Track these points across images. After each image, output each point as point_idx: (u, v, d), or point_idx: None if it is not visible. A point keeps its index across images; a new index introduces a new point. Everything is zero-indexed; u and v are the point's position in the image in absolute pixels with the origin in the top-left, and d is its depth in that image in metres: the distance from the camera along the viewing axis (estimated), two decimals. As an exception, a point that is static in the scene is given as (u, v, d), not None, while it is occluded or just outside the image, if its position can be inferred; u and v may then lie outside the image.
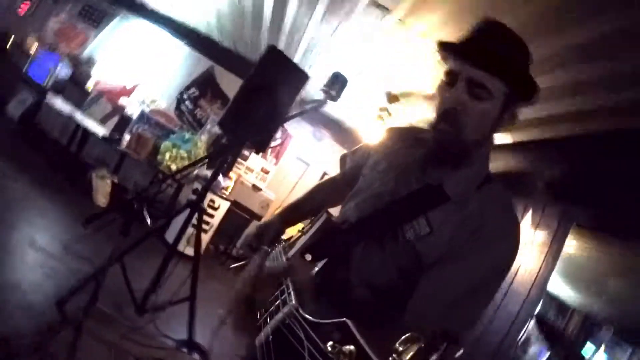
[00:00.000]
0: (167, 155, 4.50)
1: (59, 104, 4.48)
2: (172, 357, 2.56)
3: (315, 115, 5.74)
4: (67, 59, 4.99)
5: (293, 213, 1.34)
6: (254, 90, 2.85)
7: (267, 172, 6.00)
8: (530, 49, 0.94)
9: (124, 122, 4.68)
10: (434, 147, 0.97)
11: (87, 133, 4.51)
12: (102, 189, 4.22)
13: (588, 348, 6.61)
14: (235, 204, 5.17)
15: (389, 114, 3.93)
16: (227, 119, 2.91)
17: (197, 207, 2.73)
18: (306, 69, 4.42)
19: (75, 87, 4.81)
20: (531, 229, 2.94)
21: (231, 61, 5.31)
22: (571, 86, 1.95)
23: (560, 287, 5.50)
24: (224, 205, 4.82)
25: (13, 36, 5.06)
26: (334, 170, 5.14)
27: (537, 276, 2.71)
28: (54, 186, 4.11)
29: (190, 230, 2.69)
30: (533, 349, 5.86)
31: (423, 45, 2.62)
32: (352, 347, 0.37)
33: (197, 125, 5.16)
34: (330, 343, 0.38)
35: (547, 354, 5.83)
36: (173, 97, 5.32)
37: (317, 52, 3.80)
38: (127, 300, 2.53)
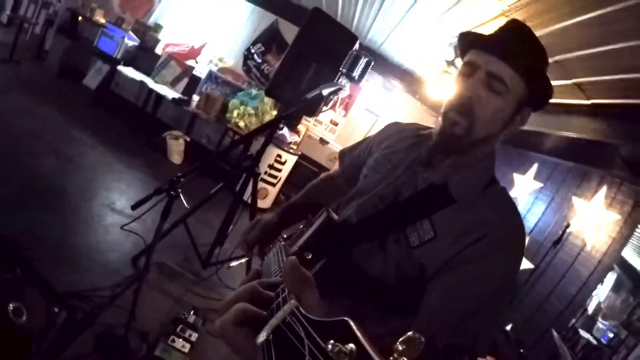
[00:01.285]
0: (235, 113, 4.68)
1: (131, 72, 4.80)
2: (229, 307, 2.84)
3: (385, 65, 5.48)
4: (133, 29, 5.29)
5: (291, 211, 1.32)
6: (299, 55, 2.81)
7: (336, 124, 6.00)
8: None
9: (194, 82, 4.90)
10: (442, 136, 0.94)
11: (159, 96, 4.80)
12: (176, 147, 4.59)
13: None
14: (303, 157, 5.30)
15: (456, 69, 3.62)
16: (275, 86, 2.93)
17: (252, 172, 2.87)
18: (364, 30, 4.21)
19: (145, 54, 5.09)
20: (603, 207, 2.62)
21: (295, 13, 5.19)
22: None
23: (637, 262, 4.90)
24: (291, 160, 4.96)
25: (81, 13, 5.44)
26: (403, 119, 5.04)
27: (600, 260, 2.45)
28: (132, 148, 4.47)
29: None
30: (600, 326, 5.46)
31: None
32: (352, 346, 0.37)
33: (266, 80, 5.23)
34: (331, 342, 0.38)
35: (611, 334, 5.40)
36: (240, 54, 5.37)
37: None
38: (195, 254, 2.79)
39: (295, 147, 5.14)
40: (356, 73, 1.77)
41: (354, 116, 5.99)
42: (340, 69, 1.82)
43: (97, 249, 2.60)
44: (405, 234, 0.90)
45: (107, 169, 3.81)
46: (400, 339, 0.37)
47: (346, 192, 1.14)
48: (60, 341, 1.80)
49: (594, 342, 5.24)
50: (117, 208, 3.15)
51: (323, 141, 5.72)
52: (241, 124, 4.73)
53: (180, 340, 2.23)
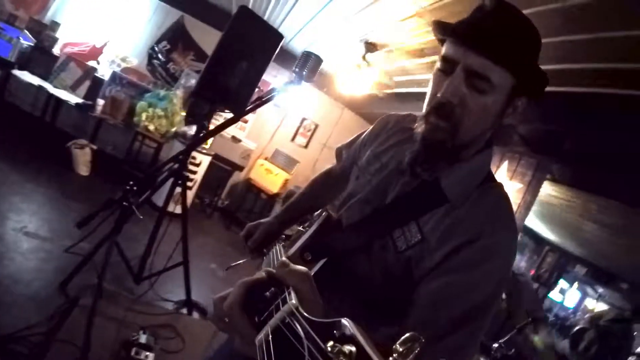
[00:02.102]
0: (144, 116, 4.37)
1: (27, 76, 4.20)
2: (174, 320, 2.72)
3: (291, 61, 5.55)
4: (28, 28, 4.59)
5: (292, 212, 1.30)
6: (226, 55, 2.75)
7: (246, 122, 5.92)
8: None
9: (96, 85, 4.45)
10: (423, 143, 0.85)
11: (60, 102, 4.29)
12: (82, 158, 4.13)
13: (562, 284, 7.18)
14: (216, 157, 5.16)
15: (368, 64, 3.85)
16: (202, 88, 2.83)
17: (179, 175, 2.75)
18: (280, 24, 4.24)
19: (42, 55, 4.48)
20: (506, 178, 3.06)
21: (202, 10, 4.99)
22: (560, 46, 1.92)
23: (537, 226, 5.80)
24: (205, 160, 4.82)
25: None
26: (312, 115, 5.15)
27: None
28: (34, 163, 3.98)
29: (177, 189, 2.73)
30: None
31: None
32: (352, 347, 0.37)
33: (172, 79, 4.96)
34: (331, 343, 0.38)
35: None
36: (144, 52, 5.01)
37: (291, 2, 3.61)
38: (126, 271, 2.61)
39: (207, 147, 4.99)
40: (307, 72, 1.81)
41: (263, 112, 5.98)
42: (293, 68, 1.85)
43: (19, 282, 2.28)
44: (393, 238, 0.86)
45: (11, 189, 3.32)
46: (400, 340, 0.38)
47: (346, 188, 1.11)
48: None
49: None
50: (32, 231, 2.77)
51: (235, 139, 5.62)
52: (151, 127, 4.45)
53: (138, 363, 2.09)
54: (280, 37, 2.81)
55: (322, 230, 1.01)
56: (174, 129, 4.61)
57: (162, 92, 4.52)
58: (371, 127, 1.15)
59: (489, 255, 0.78)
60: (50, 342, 1.96)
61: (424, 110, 0.86)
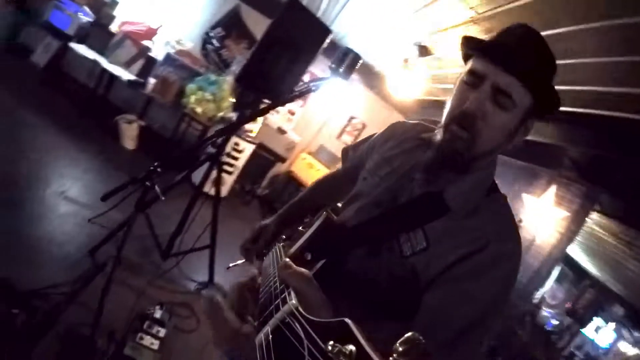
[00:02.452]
0: (193, 98, 4.50)
1: (83, 50, 4.43)
2: (193, 299, 2.78)
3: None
4: (88, 4, 4.84)
5: (293, 212, 1.30)
6: (272, 45, 2.76)
7: (293, 114, 5.96)
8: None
9: (150, 64, 4.63)
10: (441, 151, 0.88)
11: (113, 77, 4.50)
12: (129, 132, 4.33)
13: (597, 321, 6.71)
14: (260, 146, 5.23)
15: (416, 68, 3.74)
16: (245, 75, 2.86)
17: (216, 160, 2.80)
18: (335, 18, 4.21)
19: (99, 31, 4.71)
20: (552, 204, 2.86)
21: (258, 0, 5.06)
22: (625, 69, 1.76)
23: (579, 257, 5.44)
24: (248, 148, 4.89)
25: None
26: (361, 114, 5.10)
27: (549, 253, 2.69)
28: (83, 133, 4.18)
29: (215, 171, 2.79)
30: (544, 314, 5.99)
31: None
32: (352, 347, 0.37)
33: (223, 65, 5.07)
34: (331, 343, 0.38)
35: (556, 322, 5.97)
36: (199, 37, 5.16)
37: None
38: (154, 246, 2.70)
39: (252, 135, 5.06)
40: (344, 69, 1.76)
41: (312, 106, 5.99)
42: (329, 64, 1.81)
43: (53, 242, 2.42)
44: (399, 242, 0.87)
45: (58, 154, 3.52)
46: (400, 340, 0.37)
47: (348, 191, 1.11)
48: (21, 345, 1.67)
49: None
50: (71, 196, 2.93)
51: (281, 130, 5.68)
52: (198, 110, 4.57)
53: (149, 337, 2.15)
54: (327, 31, 2.78)
55: (322, 230, 0.99)
56: (220, 114, 4.71)
57: (213, 77, 4.63)
58: (380, 132, 1.18)
59: (495, 263, 0.80)
60: (69, 302, 2.06)
61: (444, 119, 0.89)
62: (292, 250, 1.00)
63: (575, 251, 5.02)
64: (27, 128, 3.62)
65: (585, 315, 6.18)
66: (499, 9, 2.19)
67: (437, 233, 0.84)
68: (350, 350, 0.37)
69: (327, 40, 2.73)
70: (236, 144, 4.67)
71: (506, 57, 0.81)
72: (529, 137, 0.94)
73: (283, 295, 0.54)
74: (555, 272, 6.85)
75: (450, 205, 0.86)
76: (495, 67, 0.81)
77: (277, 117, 5.87)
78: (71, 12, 4.48)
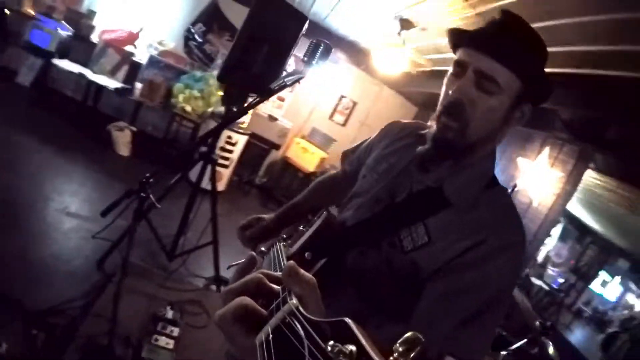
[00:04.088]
0: (181, 97, 4.48)
1: (67, 64, 4.40)
2: (202, 296, 2.84)
3: (329, 38, 5.45)
4: (65, 18, 4.80)
5: (291, 211, 1.31)
6: (250, 38, 2.74)
7: (282, 100, 5.92)
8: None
9: (134, 69, 4.60)
10: (435, 142, 0.89)
11: (100, 87, 4.48)
12: (122, 139, 4.34)
13: (603, 276, 6.74)
14: (253, 136, 5.22)
15: (403, 42, 3.69)
16: (226, 72, 2.85)
17: (208, 158, 2.82)
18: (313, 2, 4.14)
19: (80, 43, 4.67)
20: (547, 165, 2.87)
21: (235, -11, 4.97)
22: (611, 26, 1.75)
23: (582, 214, 5.45)
24: (242, 140, 4.90)
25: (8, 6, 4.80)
26: (350, 93, 5.06)
27: (546, 215, 2.71)
28: (77, 146, 4.18)
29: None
30: (550, 273, 6.05)
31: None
32: (352, 347, 0.36)
33: (208, 60, 5.02)
34: (331, 342, 0.38)
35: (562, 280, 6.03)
36: (180, 35, 5.09)
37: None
38: (159, 248, 2.75)
39: (244, 126, 5.06)
40: (315, 60, 1.77)
41: (301, 90, 5.94)
42: (302, 57, 1.81)
43: (60, 259, 2.47)
44: (400, 238, 0.88)
45: (55, 171, 3.54)
46: (401, 340, 0.37)
47: (348, 192, 1.13)
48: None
49: (546, 287, 5.79)
50: (73, 211, 2.97)
51: (272, 118, 5.65)
52: (188, 108, 4.56)
53: (163, 337, 2.21)
54: (304, 19, 2.75)
55: (323, 230, 1.00)
56: (210, 110, 4.70)
57: (199, 74, 4.60)
58: (377, 132, 1.19)
59: (496, 255, 0.81)
60: (84, 315, 2.12)
61: (436, 111, 0.90)
62: (293, 249, 1.01)
63: (577, 209, 5.04)
64: (21, 149, 3.63)
65: (589, 271, 6.24)
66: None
67: (439, 227, 0.85)
68: (351, 350, 0.36)
69: (305, 27, 2.71)
70: (229, 137, 4.66)
71: (486, 41, 0.83)
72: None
73: (284, 295, 0.52)
74: (558, 230, 6.88)
75: (451, 199, 0.87)
76: (477, 53, 0.83)
77: (267, 105, 5.83)
78: (50, 29, 4.43)
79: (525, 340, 2.20)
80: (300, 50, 2.79)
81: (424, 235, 0.85)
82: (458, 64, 0.87)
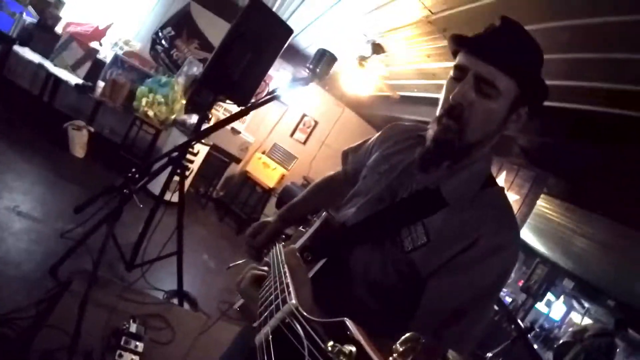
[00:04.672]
0: (144, 101, 4.31)
1: (28, 53, 4.11)
2: (164, 310, 2.69)
3: (296, 55, 5.53)
4: (32, 3, 4.48)
5: (292, 212, 1.32)
6: (235, 45, 2.73)
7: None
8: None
9: (97, 67, 4.39)
10: (435, 142, 0.93)
11: (59, 81, 4.22)
12: (78, 139, 4.07)
13: (549, 296, 7.30)
14: (214, 148, 5.12)
15: (367, 66, 3.84)
16: (208, 77, 2.81)
17: (178, 163, 2.73)
18: (288, 18, 4.21)
19: (44, 32, 4.38)
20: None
21: (210, -2, 4.93)
22: (570, 65, 1.93)
23: (529, 238, 5.86)
24: (203, 150, 4.78)
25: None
26: (313, 112, 5.10)
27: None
28: (29, 143, 3.91)
29: (174, 178, 2.72)
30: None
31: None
32: (352, 347, 0.37)
33: (174, 66, 4.90)
34: (331, 342, 0.38)
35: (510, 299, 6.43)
36: (148, 37, 4.94)
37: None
38: (118, 258, 2.59)
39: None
40: (320, 70, 1.81)
41: (264, 106, 5.92)
42: (307, 65, 1.85)
43: (10, 262, 2.24)
44: (400, 237, 0.90)
45: (5, 167, 3.26)
46: (400, 340, 0.38)
47: (348, 193, 1.14)
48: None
49: (495, 307, 6.10)
50: (24, 211, 2.73)
51: (235, 131, 5.58)
52: (150, 113, 4.39)
53: (127, 353, 2.07)
54: (290, 31, 2.80)
55: (323, 230, 1.01)
56: (173, 117, 4.56)
57: (164, 79, 4.47)
58: (378, 133, 1.22)
59: (493, 252, 0.84)
60: (39, 326, 1.93)
61: (437, 113, 0.94)
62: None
63: (524, 232, 5.40)
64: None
65: (538, 290, 6.68)
66: (454, 10, 2.31)
67: (436, 227, 0.88)
68: (350, 351, 0.37)
69: (289, 40, 2.75)
70: (191, 146, 4.53)
71: (483, 47, 0.87)
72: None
73: (283, 295, 0.54)
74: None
75: (448, 199, 0.90)
76: (476, 58, 0.87)
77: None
78: (14, 13, 4.12)
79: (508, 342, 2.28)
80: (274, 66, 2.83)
81: (423, 235, 0.88)
82: (458, 68, 0.91)
